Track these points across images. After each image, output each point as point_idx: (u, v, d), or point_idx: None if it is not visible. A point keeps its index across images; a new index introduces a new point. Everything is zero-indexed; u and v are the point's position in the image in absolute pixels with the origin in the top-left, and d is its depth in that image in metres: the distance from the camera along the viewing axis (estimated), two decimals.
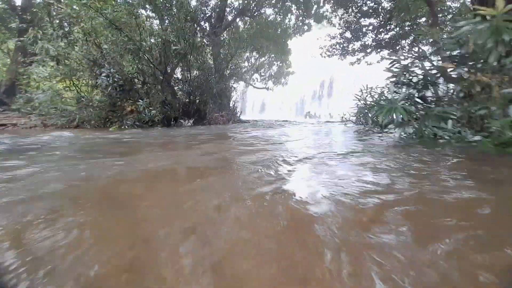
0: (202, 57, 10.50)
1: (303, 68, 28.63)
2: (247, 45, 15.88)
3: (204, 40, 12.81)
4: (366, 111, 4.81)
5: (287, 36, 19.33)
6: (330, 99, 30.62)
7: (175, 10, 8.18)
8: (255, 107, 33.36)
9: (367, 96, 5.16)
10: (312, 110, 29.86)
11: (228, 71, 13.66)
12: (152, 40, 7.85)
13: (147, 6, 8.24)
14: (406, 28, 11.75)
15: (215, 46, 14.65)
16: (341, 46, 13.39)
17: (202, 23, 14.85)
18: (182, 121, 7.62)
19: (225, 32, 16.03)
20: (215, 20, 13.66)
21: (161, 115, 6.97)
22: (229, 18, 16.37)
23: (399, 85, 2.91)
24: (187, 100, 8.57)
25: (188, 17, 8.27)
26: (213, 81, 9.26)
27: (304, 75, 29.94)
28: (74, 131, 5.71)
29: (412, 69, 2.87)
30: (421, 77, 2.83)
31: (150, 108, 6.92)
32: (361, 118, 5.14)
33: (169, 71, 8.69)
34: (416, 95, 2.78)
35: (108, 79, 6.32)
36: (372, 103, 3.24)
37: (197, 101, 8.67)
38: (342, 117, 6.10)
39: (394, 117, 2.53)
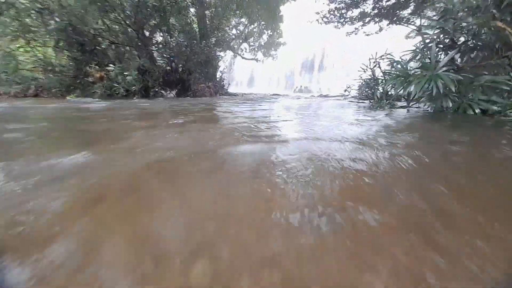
0: (185, 18, 9.20)
1: (294, 39, 27.02)
2: (235, 8, 14.29)
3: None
4: (373, 83, 4.23)
5: (280, 0, 17.64)
6: (320, 73, 29.67)
7: None
8: (243, 80, 31.83)
9: (375, 66, 4.54)
10: (302, 85, 28.98)
11: (214, 38, 12.34)
12: None
13: None
14: None
15: (200, 7, 13.02)
16: (339, 12, 12.25)
17: None
18: (163, 91, 6.69)
19: None
20: None
21: (139, 84, 5.98)
22: None
23: (438, 48, 2.30)
24: (168, 67, 7.51)
25: None
26: (198, 47, 8.15)
27: (295, 46, 28.41)
28: (27, 101, 4.72)
29: (461, 25, 2.23)
30: (462, 39, 2.25)
31: (125, 74, 5.90)
32: (367, 92, 4.56)
33: (147, 34, 7.45)
34: (458, 61, 2.22)
35: (63, 33, 5.12)
36: (393, 72, 2.65)
37: (180, 69, 7.63)
38: (345, 90, 5.49)
39: (428, 87, 1.98)
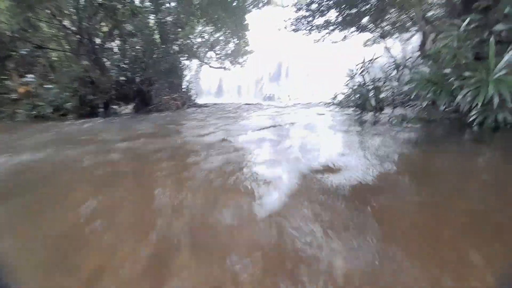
0: (143, 23, 8.09)
1: (261, 46, 27.08)
2: (200, 14, 13.48)
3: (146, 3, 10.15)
4: (365, 91, 3.77)
5: (245, 8, 17.35)
6: (288, 81, 30.14)
7: None
8: (211, 89, 30.78)
9: (363, 72, 4.13)
10: (271, 92, 29.02)
11: (177, 45, 11.31)
12: None
13: None
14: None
15: (160, 13, 11.92)
16: (306, 20, 12.27)
17: None
18: (116, 107, 5.49)
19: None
20: None
21: (76, 100, 4.68)
22: None
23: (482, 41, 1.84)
24: (122, 78, 6.32)
25: None
26: (159, 54, 7.12)
27: (262, 55, 28.49)
28: None
29: None
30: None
31: (51, 88, 4.56)
32: (357, 100, 4.09)
33: (98, 41, 6.21)
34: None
35: None
36: (413, 78, 2.08)
37: (138, 79, 6.50)
38: (334, 98, 4.97)
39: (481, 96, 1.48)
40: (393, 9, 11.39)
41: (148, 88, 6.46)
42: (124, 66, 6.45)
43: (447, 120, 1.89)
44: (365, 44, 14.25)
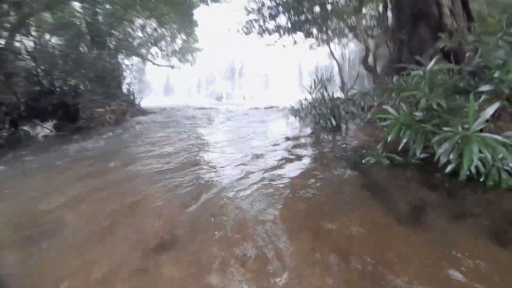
0: (64, 12, 6.61)
1: (212, 45, 26.07)
2: (139, 8, 11.96)
3: None
4: (327, 111, 3.72)
5: (192, 3, 16.20)
6: (241, 80, 29.90)
7: None
8: (158, 89, 28.25)
9: (321, 88, 4.09)
10: (224, 91, 28.34)
11: (113, 41, 9.75)
12: None
13: None
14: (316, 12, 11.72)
15: (89, 3, 10.10)
16: (258, 23, 12.13)
17: None
18: (27, 128, 4.19)
19: None
20: None
21: None
22: None
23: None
24: (37, 87, 4.93)
25: None
26: (88, 53, 5.86)
27: (213, 53, 27.49)
28: None
29: None
30: None
31: None
32: (315, 118, 4.02)
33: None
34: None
35: None
36: (391, 116, 1.87)
37: (58, 89, 5.17)
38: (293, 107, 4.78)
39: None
40: (334, 19, 12.19)
41: (74, 100, 5.20)
42: (38, 71, 5.07)
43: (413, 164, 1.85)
44: (311, 47, 15.04)
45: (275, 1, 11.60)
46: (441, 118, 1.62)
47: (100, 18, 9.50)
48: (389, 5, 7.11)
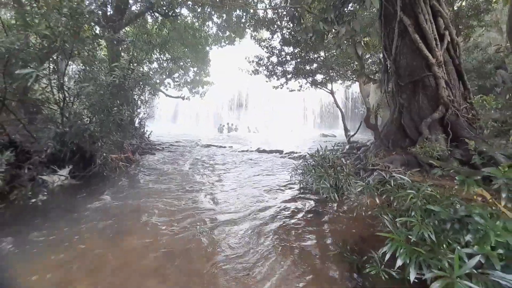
0: (91, 55, 7.10)
1: (221, 78, 27.49)
2: (158, 51, 13.00)
3: (96, 31, 9.21)
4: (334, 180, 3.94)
5: (207, 44, 17.56)
6: (247, 112, 30.95)
7: None
8: (166, 117, 29.24)
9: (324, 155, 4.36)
10: (230, 122, 29.16)
11: (131, 80, 10.44)
12: None
13: None
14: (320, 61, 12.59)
15: (112, 44, 11.09)
16: (267, 68, 13.07)
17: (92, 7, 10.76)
18: (45, 177, 4.43)
19: (127, 27, 12.50)
20: (113, 11, 10.15)
21: None
22: (134, 10, 12.95)
23: None
24: (59, 134, 5.25)
25: None
26: (110, 103, 6.28)
27: (221, 84, 28.87)
28: None
29: None
30: None
31: None
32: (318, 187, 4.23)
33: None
34: None
35: None
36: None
37: (80, 135, 5.50)
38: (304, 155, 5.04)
39: None
40: (338, 67, 13.03)
41: (92, 146, 5.53)
42: (63, 120, 5.46)
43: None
44: (315, 88, 15.90)
45: (284, 51, 12.58)
46: (431, 251, 1.80)
47: (122, 59, 10.32)
48: (389, 66, 7.59)
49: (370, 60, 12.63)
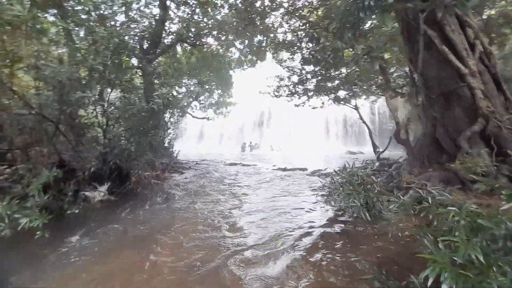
0: (130, 83, 7.84)
1: (243, 98, 28.48)
2: (187, 76, 14.06)
3: (134, 62, 10.21)
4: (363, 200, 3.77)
5: (230, 68, 18.58)
6: (268, 130, 31.25)
7: None
8: (192, 137, 30.64)
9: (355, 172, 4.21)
10: (253, 140, 29.57)
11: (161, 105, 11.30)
12: None
13: None
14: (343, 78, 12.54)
15: (146, 73, 12.18)
16: (288, 88, 13.34)
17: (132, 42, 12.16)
18: (88, 193, 4.89)
19: (160, 57, 13.78)
20: (149, 45, 11.37)
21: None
22: (166, 42, 14.33)
23: None
24: (104, 150, 5.76)
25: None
26: (147, 124, 6.82)
27: (245, 104, 29.78)
28: None
29: None
30: None
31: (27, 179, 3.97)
32: (346, 203, 4.06)
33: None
34: None
35: None
36: None
37: (123, 155, 6.01)
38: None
39: None
40: (360, 83, 12.82)
41: (128, 164, 6.01)
42: (105, 141, 6.05)
43: None
44: (338, 104, 15.67)
45: (305, 69, 12.81)
46: (479, 274, 1.63)
47: (154, 86, 11.30)
48: (416, 79, 7.31)
49: (395, 74, 12.31)
